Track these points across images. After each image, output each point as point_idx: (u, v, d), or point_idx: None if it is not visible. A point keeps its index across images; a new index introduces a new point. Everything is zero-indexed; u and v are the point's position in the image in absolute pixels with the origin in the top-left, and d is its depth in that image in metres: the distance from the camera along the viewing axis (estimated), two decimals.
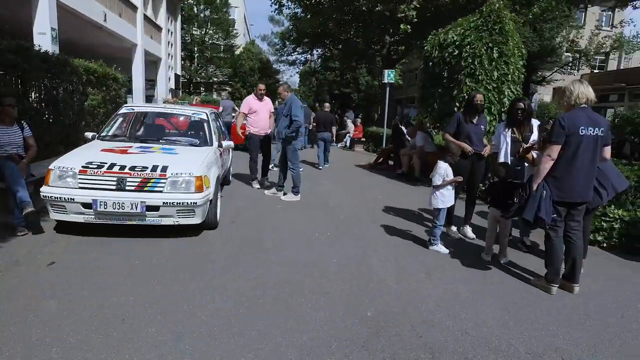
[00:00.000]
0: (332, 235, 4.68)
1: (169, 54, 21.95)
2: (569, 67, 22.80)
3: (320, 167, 9.99)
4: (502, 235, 4.06)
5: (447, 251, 4.23)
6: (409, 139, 10.01)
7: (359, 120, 15.73)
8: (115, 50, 17.42)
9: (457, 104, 6.71)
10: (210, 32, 27.99)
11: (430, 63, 7.41)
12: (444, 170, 4.23)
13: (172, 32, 22.71)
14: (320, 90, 32.43)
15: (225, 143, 5.65)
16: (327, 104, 12.45)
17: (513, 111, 4.34)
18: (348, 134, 15.79)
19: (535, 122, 4.45)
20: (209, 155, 4.74)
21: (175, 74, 22.70)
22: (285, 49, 19.20)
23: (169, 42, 21.93)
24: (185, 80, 28.52)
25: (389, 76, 12.41)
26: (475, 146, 4.55)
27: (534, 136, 4.23)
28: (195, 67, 27.66)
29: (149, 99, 19.00)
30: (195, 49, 27.87)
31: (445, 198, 4.27)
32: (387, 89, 12.66)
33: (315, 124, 12.08)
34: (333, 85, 25.41)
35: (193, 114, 5.95)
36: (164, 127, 6.25)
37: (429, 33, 7.85)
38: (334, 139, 11.64)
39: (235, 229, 4.66)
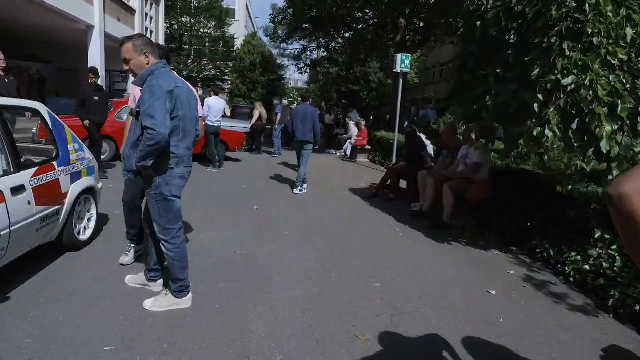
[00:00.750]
0: None
1: None
2: None
3: (295, 191, 6.69)
4: None
5: None
6: (430, 153, 6.59)
7: (364, 122, 12.30)
8: (70, 35, 14.40)
9: (541, 95, 3.27)
10: (202, 20, 24.82)
11: (479, 23, 3.95)
12: None
13: (152, 18, 19.66)
14: (327, 87, 28.99)
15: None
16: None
17: None
18: (349, 140, 12.38)
19: None
20: None
21: None
22: (276, 35, 15.90)
23: (146, 29, 18.85)
24: None
25: (403, 63, 8.99)
26: None
27: None
28: (181, 59, 24.47)
29: (119, 94, 15.93)
30: (185, 39, 24.70)
31: None
32: (400, 80, 9.23)
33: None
34: (339, 81, 21.96)
35: None
36: None
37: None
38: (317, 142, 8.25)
39: None
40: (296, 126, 6.84)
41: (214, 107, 8.02)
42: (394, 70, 9.31)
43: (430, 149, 6.78)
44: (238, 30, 31.75)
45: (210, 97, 8.17)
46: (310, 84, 42.57)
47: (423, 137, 6.77)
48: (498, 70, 3.75)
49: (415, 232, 4.90)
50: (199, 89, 29.10)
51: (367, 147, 12.19)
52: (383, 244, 4.40)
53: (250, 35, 32.70)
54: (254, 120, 11.68)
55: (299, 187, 6.78)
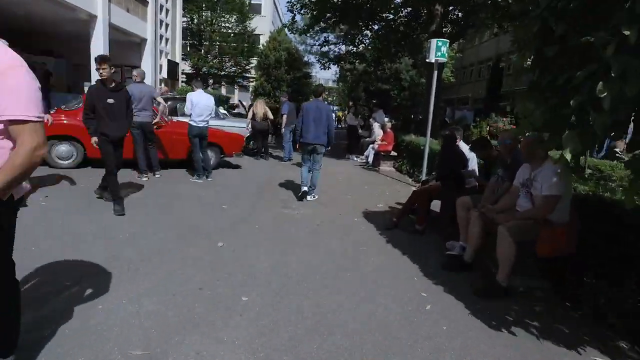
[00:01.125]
0: None
1: (160, 36, 17.77)
2: None
3: (309, 197, 5.65)
4: None
5: None
6: (473, 170, 4.78)
7: (388, 124, 10.47)
8: (72, 26, 13.40)
9: None
10: (223, 14, 23.60)
11: None
12: None
13: (168, 10, 18.55)
14: (354, 85, 27.10)
15: None
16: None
17: None
18: (372, 145, 10.58)
19: None
20: None
21: (170, 61, 18.48)
22: (294, 25, 14.23)
23: (161, 22, 17.75)
24: (193, 71, 24.37)
25: (439, 50, 7.13)
26: None
27: None
28: (201, 55, 23.33)
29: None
30: (205, 33, 23.55)
31: None
32: (435, 73, 7.37)
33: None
34: (366, 78, 20.03)
35: None
36: None
37: None
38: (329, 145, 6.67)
39: None
40: (306, 126, 5.73)
41: (199, 104, 6.48)
42: (427, 60, 7.46)
43: (474, 162, 4.93)
44: (264, 26, 30.50)
45: (193, 91, 6.62)
46: (339, 83, 40.80)
47: (464, 147, 4.91)
48: (626, 32, 1.93)
49: (452, 301, 3.10)
50: (221, 86, 28.05)
51: (393, 153, 10.37)
52: (399, 333, 2.63)
53: (277, 31, 31.42)
54: (248, 119, 10.17)
55: (312, 194, 6.18)
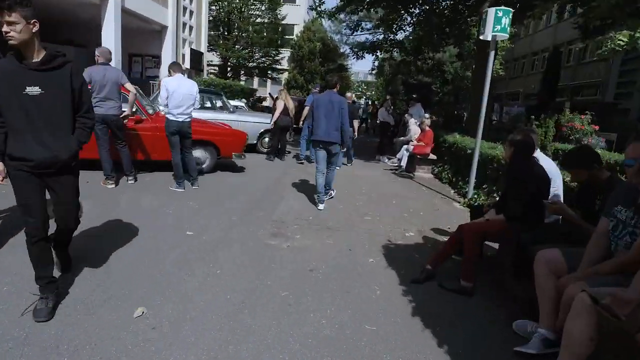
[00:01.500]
0: None
1: (184, 24, 16.70)
2: None
3: (320, 206, 5.10)
4: None
5: None
6: (557, 196, 3.01)
7: (427, 121, 8.64)
8: (83, 10, 12.53)
9: None
10: (254, 1, 22.31)
11: None
12: None
13: None
14: (392, 78, 24.98)
15: None
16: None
17: None
18: (405, 146, 8.80)
19: None
20: None
21: (193, 51, 17.40)
22: (323, 5, 12.47)
23: (185, 8, 16.66)
24: (221, 62, 23.31)
25: (498, 22, 5.28)
26: None
27: None
28: (229, 45, 22.16)
29: (144, 84, 13.99)
30: (233, 22, 22.37)
31: None
32: (492, 54, 5.52)
33: None
34: (404, 70, 17.97)
35: None
36: None
37: None
38: (344, 143, 5.27)
39: None
40: (317, 121, 5.05)
41: (177, 92, 5.05)
42: (481, 37, 5.63)
43: (557, 183, 3.15)
44: (297, 16, 29.04)
45: (170, 75, 5.17)
46: (379, 77, 38.66)
47: (545, 160, 3.13)
48: None
49: None
50: (253, 79, 26.88)
51: (432, 156, 8.56)
52: None
53: (311, 20, 29.79)
54: (276, 115, 8.59)
55: (326, 198, 5.33)
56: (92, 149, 5.11)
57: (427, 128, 8.57)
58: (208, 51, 22.29)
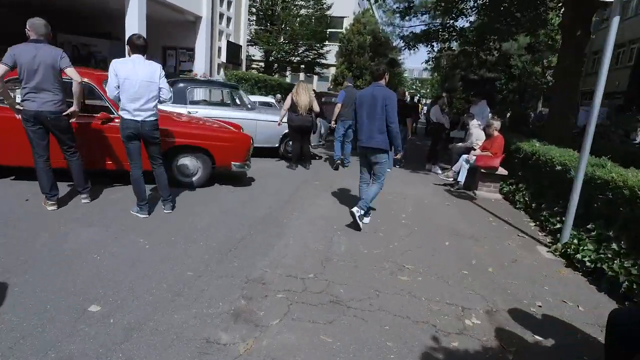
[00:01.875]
0: None
1: (220, 15, 15.57)
2: None
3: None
4: None
5: None
6: None
7: (496, 123, 6.56)
8: (114, 3, 11.62)
9: None
10: None
11: None
12: None
13: None
14: (450, 73, 22.38)
15: None
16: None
17: None
18: (465, 156, 6.77)
19: None
20: None
21: (231, 43, 16.22)
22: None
23: None
24: (264, 58, 22.09)
25: None
26: None
27: None
28: (271, 39, 20.81)
29: (177, 76, 12.91)
30: (276, 14, 21.02)
31: None
32: (612, 31, 3.47)
33: None
34: (464, 63, 15.54)
35: None
36: None
37: None
38: (396, 149, 3.50)
39: None
40: (360, 124, 4.15)
41: (131, 80, 3.51)
42: (605, 17, 3.59)
43: None
44: (347, 8, 27.22)
45: (129, 55, 3.66)
46: (435, 73, 35.82)
47: None
48: None
49: None
50: (298, 74, 25.50)
51: (502, 170, 6.46)
52: None
53: (361, 12, 27.80)
54: (282, 113, 7.06)
55: (360, 217, 4.07)
56: (29, 155, 3.77)
57: (496, 133, 6.49)
58: (251, 46, 21.17)
